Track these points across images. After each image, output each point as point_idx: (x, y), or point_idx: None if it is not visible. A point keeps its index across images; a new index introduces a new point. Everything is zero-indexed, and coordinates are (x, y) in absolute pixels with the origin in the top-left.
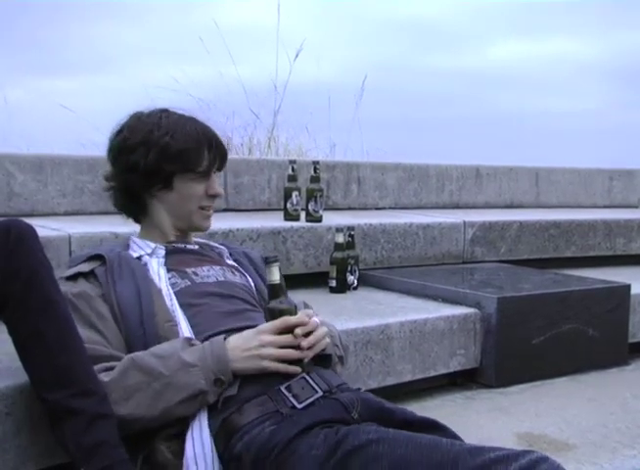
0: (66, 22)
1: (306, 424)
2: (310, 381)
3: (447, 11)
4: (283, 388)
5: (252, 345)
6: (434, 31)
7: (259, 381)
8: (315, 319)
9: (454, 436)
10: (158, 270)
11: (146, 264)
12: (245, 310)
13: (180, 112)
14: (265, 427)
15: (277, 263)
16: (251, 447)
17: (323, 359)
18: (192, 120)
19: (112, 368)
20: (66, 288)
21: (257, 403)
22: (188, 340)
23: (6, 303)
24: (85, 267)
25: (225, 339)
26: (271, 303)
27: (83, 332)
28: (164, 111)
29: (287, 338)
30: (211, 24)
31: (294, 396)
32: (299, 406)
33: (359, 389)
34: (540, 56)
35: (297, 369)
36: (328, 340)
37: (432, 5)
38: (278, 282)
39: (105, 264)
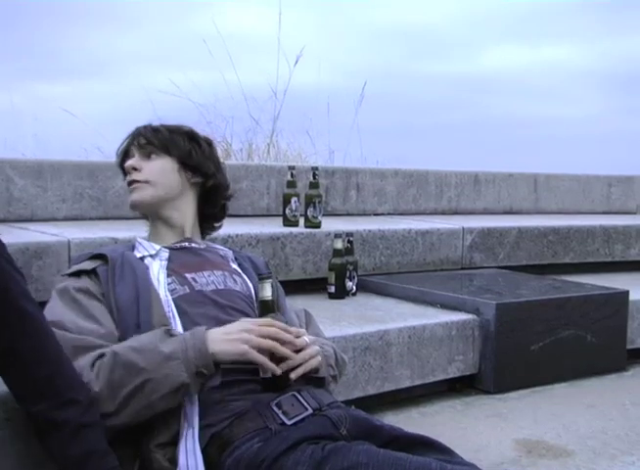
0: (65, 28)
1: (294, 440)
2: (301, 398)
3: (446, 18)
4: (273, 404)
5: (234, 329)
6: (432, 38)
7: (249, 396)
8: (305, 338)
9: (444, 449)
10: (158, 274)
11: (148, 265)
12: None
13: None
14: (254, 443)
15: (270, 280)
16: (240, 463)
17: (316, 381)
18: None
19: (101, 355)
20: (67, 283)
21: (247, 419)
22: (167, 330)
23: None
24: (87, 265)
25: (207, 330)
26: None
27: (80, 321)
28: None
29: (270, 329)
30: (212, 31)
31: (283, 412)
32: (289, 423)
33: (350, 406)
34: (538, 62)
35: (276, 368)
36: (319, 359)
37: (430, 12)
38: (270, 298)
39: (107, 264)
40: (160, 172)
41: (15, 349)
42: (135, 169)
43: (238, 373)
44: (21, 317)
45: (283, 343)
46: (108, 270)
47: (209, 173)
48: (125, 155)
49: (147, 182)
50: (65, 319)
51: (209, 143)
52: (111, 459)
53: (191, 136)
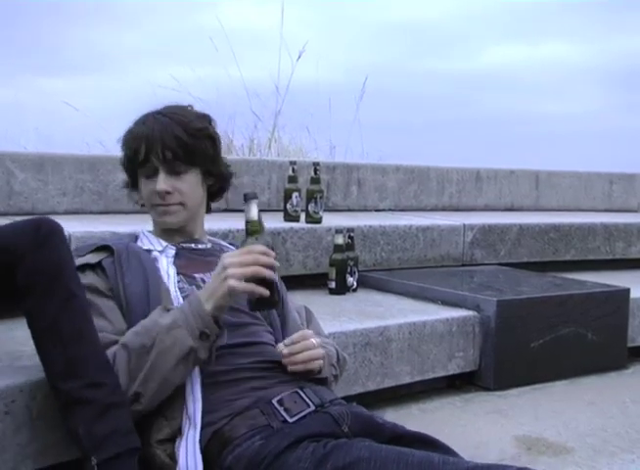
0: (67, 25)
1: (296, 437)
2: (303, 395)
3: (446, 15)
4: (275, 401)
5: (216, 273)
6: (432, 36)
7: (252, 394)
8: (313, 340)
9: (445, 448)
10: (167, 269)
11: (155, 259)
12: (248, 324)
13: (170, 111)
14: (255, 441)
15: (256, 200)
16: (240, 460)
17: (318, 381)
18: (157, 121)
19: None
20: None
21: (249, 417)
22: (164, 307)
23: (29, 294)
24: (92, 259)
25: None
26: (247, 240)
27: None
28: (158, 113)
29: (249, 255)
30: (214, 26)
31: (285, 409)
32: (291, 420)
33: (352, 403)
34: (537, 59)
35: (265, 291)
36: (321, 362)
37: (432, 9)
38: (255, 219)
39: (112, 256)
40: (191, 191)
41: (58, 327)
42: (168, 193)
43: (242, 371)
44: (68, 298)
45: (266, 266)
46: (114, 262)
47: (223, 174)
48: (145, 162)
49: (182, 204)
50: None
51: (210, 123)
52: (133, 438)
53: (209, 136)
